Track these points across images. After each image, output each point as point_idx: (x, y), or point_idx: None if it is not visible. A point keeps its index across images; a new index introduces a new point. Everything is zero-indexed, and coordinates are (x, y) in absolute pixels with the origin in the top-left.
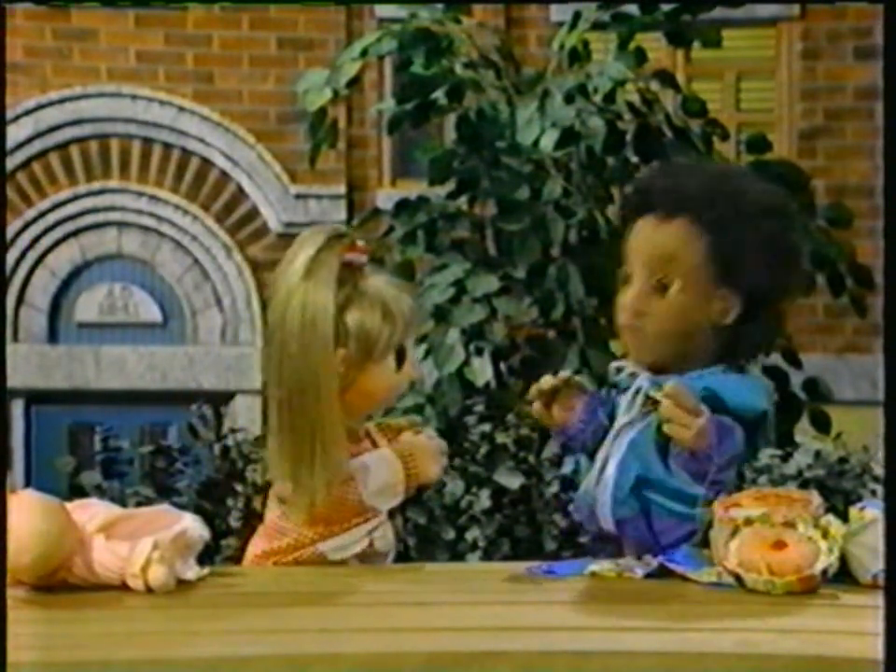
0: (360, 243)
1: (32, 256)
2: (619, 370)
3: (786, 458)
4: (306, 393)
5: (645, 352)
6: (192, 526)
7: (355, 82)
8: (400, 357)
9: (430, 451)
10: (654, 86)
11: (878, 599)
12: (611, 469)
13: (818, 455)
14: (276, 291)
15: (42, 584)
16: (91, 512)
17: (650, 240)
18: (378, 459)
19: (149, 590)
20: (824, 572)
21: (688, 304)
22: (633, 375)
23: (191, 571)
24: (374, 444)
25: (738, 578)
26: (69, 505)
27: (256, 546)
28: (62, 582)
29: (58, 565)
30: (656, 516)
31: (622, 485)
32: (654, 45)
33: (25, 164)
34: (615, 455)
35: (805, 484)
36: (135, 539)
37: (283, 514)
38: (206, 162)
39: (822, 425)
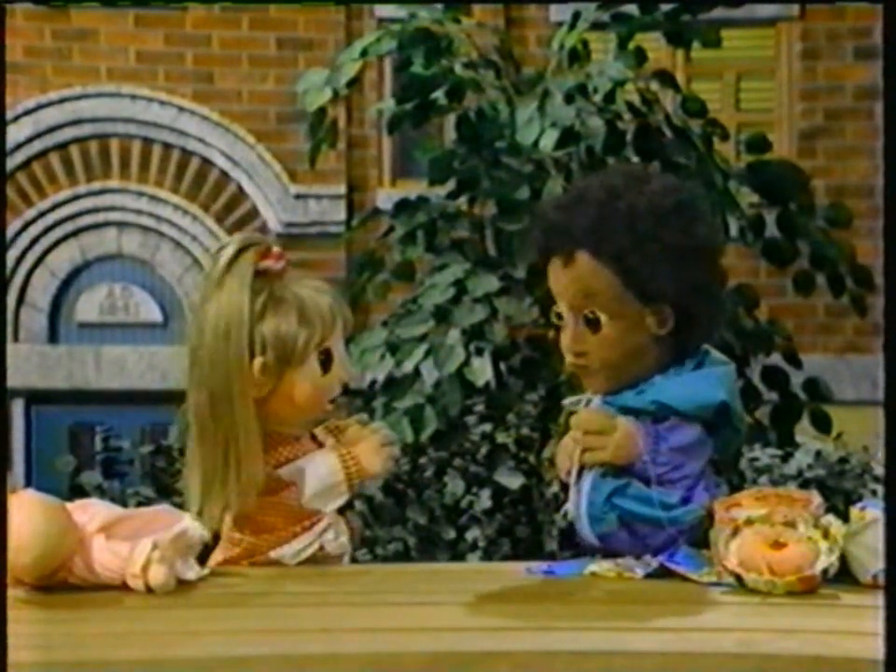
0: (275, 249)
1: (32, 256)
2: (576, 402)
3: (786, 458)
4: (219, 403)
5: (598, 384)
6: (192, 526)
7: (354, 82)
8: (325, 359)
9: (372, 445)
10: (654, 86)
11: (878, 599)
12: (585, 487)
13: (818, 454)
14: (193, 303)
15: (42, 584)
16: (91, 512)
17: (561, 281)
18: (313, 461)
19: (149, 590)
20: (824, 572)
21: (622, 331)
22: (589, 402)
23: (191, 571)
24: (320, 447)
25: (739, 578)
26: (69, 505)
27: (214, 557)
28: (62, 582)
29: (58, 565)
30: (636, 526)
31: (595, 502)
32: (654, 45)
33: (25, 164)
34: (586, 475)
35: (805, 484)
36: (135, 539)
37: (234, 524)
38: (206, 162)
39: (823, 425)
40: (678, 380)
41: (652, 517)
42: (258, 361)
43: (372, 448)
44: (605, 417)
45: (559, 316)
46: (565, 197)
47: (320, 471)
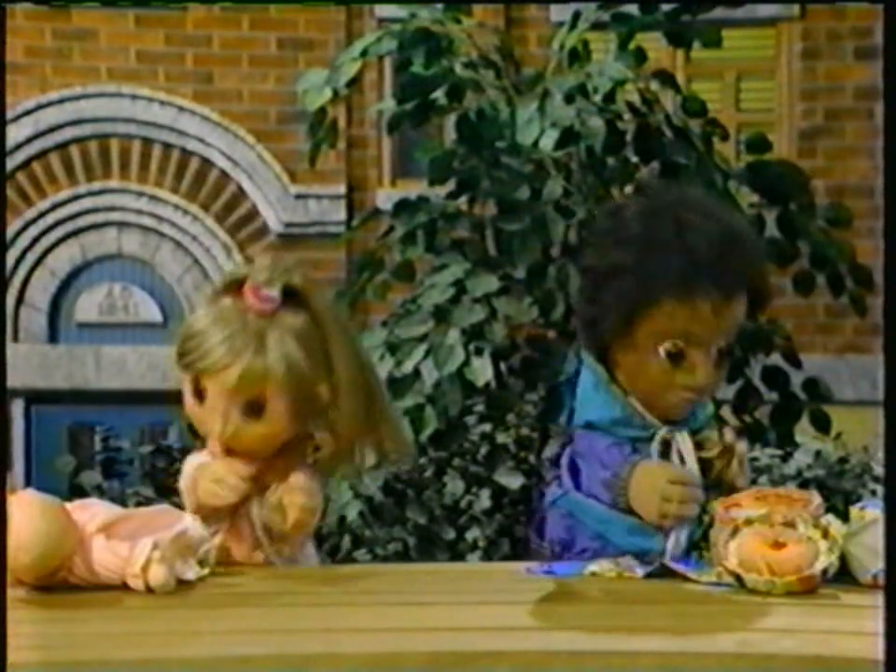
0: (264, 290)
1: (32, 256)
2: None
3: (786, 458)
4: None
5: (684, 413)
6: (192, 526)
7: (354, 82)
8: (197, 391)
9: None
10: (654, 86)
11: (878, 599)
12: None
13: (818, 454)
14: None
15: (43, 584)
16: (91, 512)
17: (710, 320)
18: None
19: (150, 590)
20: (824, 572)
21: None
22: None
23: (191, 571)
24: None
25: (738, 578)
26: (69, 505)
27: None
28: (62, 582)
29: (58, 565)
30: None
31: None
32: (654, 45)
33: (25, 164)
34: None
35: (805, 484)
36: (135, 540)
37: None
38: (206, 162)
39: (822, 425)
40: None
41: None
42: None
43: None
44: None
45: (676, 354)
46: (714, 237)
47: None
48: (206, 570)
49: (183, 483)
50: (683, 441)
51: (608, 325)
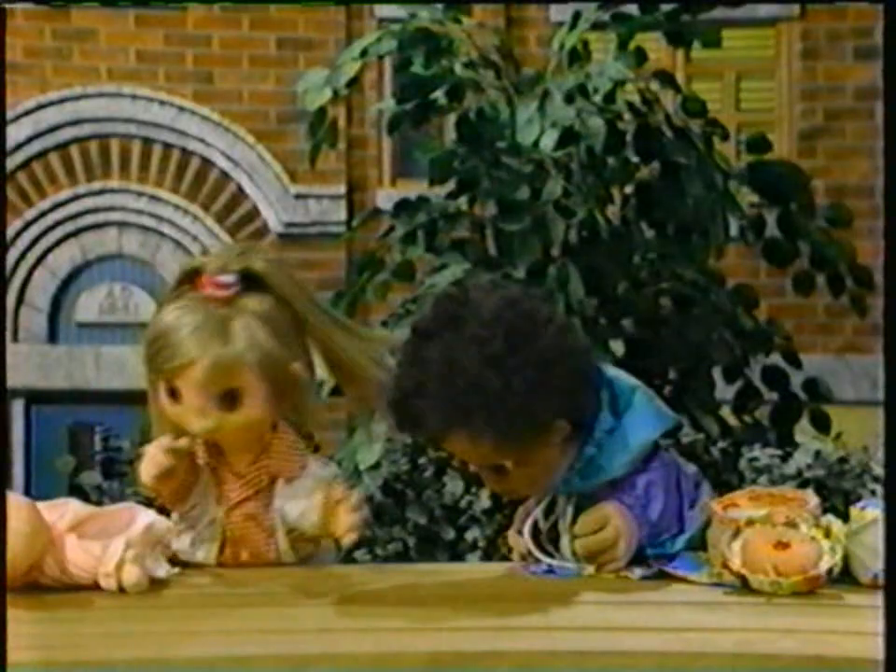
0: (219, 276)
1: (32, 256)
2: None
3: (786, 458)
4: None
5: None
6: (157, 520)
7: (354, 82)
8: (172, 391)
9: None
10: (654, 86)
11: (878, 599)
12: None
13: (818, 454)
14: None
15: (14, 585)
16: (60, 511)
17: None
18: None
19: (122, 589)
20: (829, 572)
21: (549, 455)
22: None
23: (162, 569)
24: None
25: (744, 579)
26: (40, 505)
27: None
28: (32, 582)
29: (29, 564)
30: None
31: None
32: (654, 45)
33: (25, 164)
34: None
35: (804, 484)
36: (104, 537)
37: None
38: (206, 162)
39: (822, 425)
40: (603, 456)
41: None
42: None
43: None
44: (595, 528)
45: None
46: (404, 387)
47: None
48: (177, 569)
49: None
50: (534, 507)
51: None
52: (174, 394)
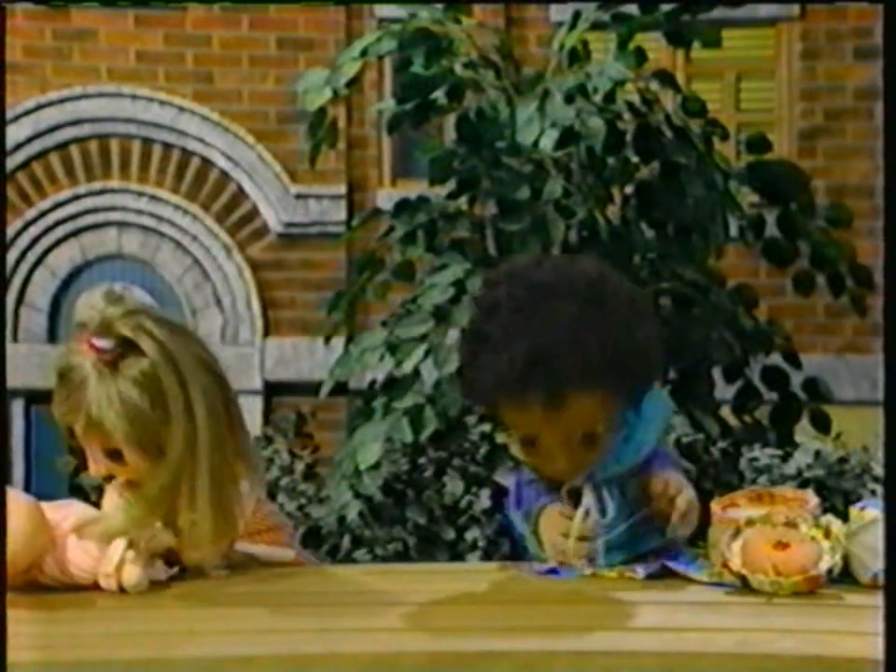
0: (94, 339)
1: (32, 256)
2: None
3: (786, 458)
4: None
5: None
6: (160, 528)
7: (354, 82)
8: (70, 434)
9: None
10: (654, 86)
11: (878, 599)
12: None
13: (817, 454)
14: None
15: (13, 583)
16: (64, 512)
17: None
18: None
19: (122, 590)
20: (829, 572)
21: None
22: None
23: (162, 572)
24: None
25: (744, 579)
26: (45, 505)
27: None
28: (32, 581)
29: (29, 563)
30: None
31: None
32: (654, 45)
33: (25, 164)
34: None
35: (804, 484)
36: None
37: None
38: (206, 162)
39: (822, 425)
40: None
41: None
42: None
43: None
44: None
45: (529, 442)
46: (518, 354)
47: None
48: (176, 569)
49: None
50: (586, 494)
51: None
52: (71, 433)
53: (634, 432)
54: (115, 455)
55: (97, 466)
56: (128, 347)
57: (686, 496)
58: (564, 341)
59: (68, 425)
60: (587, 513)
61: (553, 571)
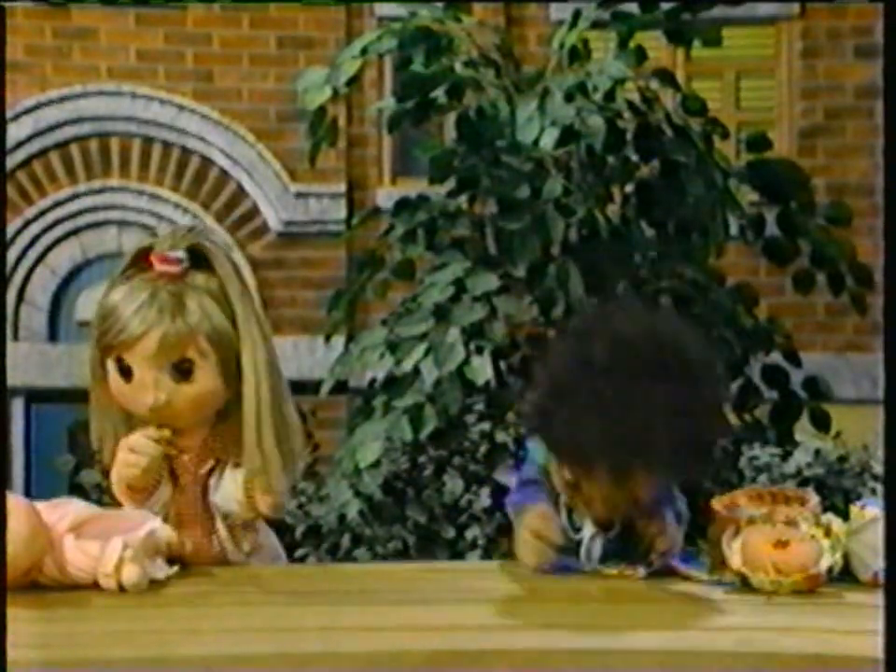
0: (171, 252)
1: (32, 254)
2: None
3: (785, 457)
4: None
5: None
6: (160, 527)
7: (354, 81)
8: (123, 369)
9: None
10: (654, 85)
11: (878, 598)
12: None
13: (817, 453)
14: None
15: (13, 585)
16: (61, 512)
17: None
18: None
19: (122, 589)
20: (829, 570)
21: None
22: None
23: (161, 571)
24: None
25: (744, 577)
26: (40, 505)
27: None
28: (32, 583)
29: (28, 566)
30: None
31: None
32: (654, 43)
33: (25, 163)
34: None
35: (804, 483)
36: (104, 539)
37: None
38: (206, 161)
39: (822, 423)
40: None
41: None
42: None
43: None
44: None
45: (574, 485)
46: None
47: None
48: (175, 568)
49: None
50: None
51: (527, 423)
52: (124, 372)
53: None
54: (184, 371)
55: (158, 392)
56: (198, 261)
57: (666, 539)
58: (658, 423)
59: (121, 357)
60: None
61: (567, 567)
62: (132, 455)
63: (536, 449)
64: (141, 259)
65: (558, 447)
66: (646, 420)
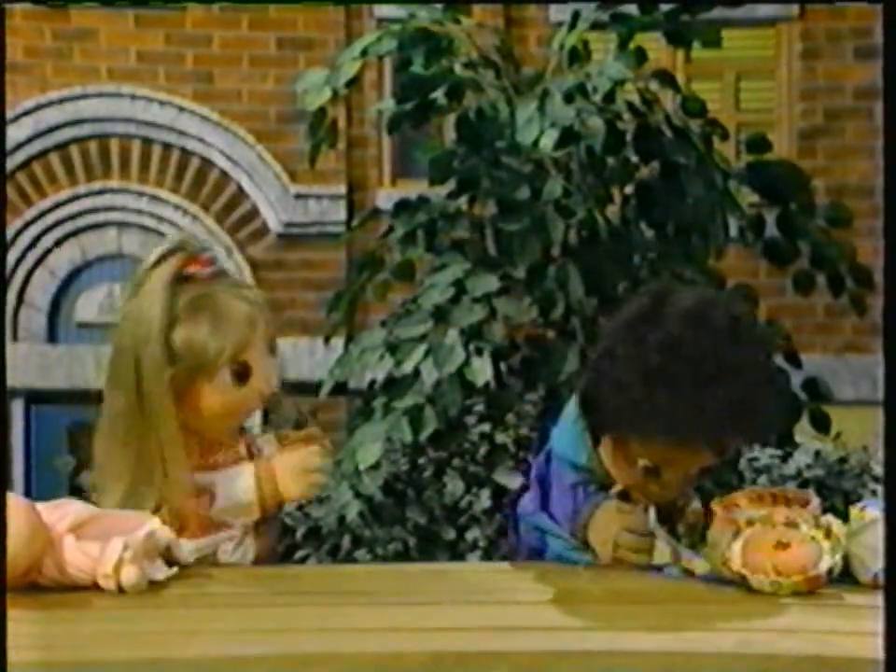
0: (204, 254)
1: (32, 256)
2: None
3: (786, 458)
4: (135, 407)
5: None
6: (159, 528)
7: (354, 82)
8: (241, 372)
9: (295, 469)
10: (654, 86)
11: (878, 599)
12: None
13: (817, 454)
14: (118, 309)
15: (12, 586)
16: (61, 512)
17: None
18: (230, 475)
19: (121, 590)
20: (829, 572)
21: None
22: None
23: (160, 572)
24: (251, 457)
25: (744, 579)
26: (41, 505)
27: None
28: (31, 584)
29: (28, 566)
30: None
31: None
32: (654, 45)
33: (25, 164)
34: None
35: (804, 484)
36: (104, 540)
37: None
38: (206, 162)
39: (822, 425)
40: None
41: None
42: (169, 370)
43: (295, 473)
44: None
45: (652, 470)
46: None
47: (234, 487)
48: (175, 570)
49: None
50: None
51: (601, 418)
52: (240, 375)
53: None
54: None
55: (274, 378)
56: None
57: (693, 507)
58: (755, 395)
59: (239, 359)
60: (645, 509)
61: (658, 569)
62: (313, 476)
63: (575, 451)
64: (178, 280)
65: (654, 434)
66: (746, 386)
